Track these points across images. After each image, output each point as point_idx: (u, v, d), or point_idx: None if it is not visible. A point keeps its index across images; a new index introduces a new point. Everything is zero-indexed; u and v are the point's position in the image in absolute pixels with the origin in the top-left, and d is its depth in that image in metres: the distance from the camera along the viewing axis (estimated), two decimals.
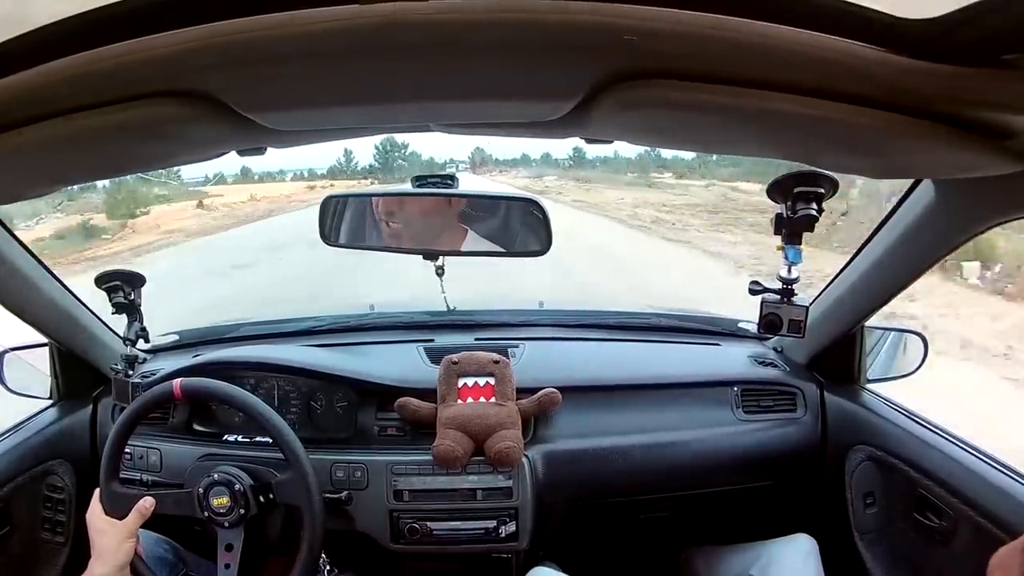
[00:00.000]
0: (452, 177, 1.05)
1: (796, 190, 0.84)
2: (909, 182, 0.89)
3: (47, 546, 1.20)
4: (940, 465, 0.99)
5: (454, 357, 1.18)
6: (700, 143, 0.76)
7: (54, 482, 1.21)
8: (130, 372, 1.22)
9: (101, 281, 1.19)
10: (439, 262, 1.19)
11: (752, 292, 0.95)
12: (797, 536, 1.12)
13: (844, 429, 1.21)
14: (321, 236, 1.14)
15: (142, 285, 1.21)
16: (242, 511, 0.98)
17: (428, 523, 1.09)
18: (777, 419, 1.24)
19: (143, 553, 0.99)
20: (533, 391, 1.16)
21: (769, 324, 0.93)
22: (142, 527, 0.96)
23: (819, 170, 0.81)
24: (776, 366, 1.31)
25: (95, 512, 0.95)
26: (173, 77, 0.48)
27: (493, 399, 1.14)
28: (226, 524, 0.98)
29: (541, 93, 0.53)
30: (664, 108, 0.51)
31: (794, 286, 0.92)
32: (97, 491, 0.98)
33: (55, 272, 1.15)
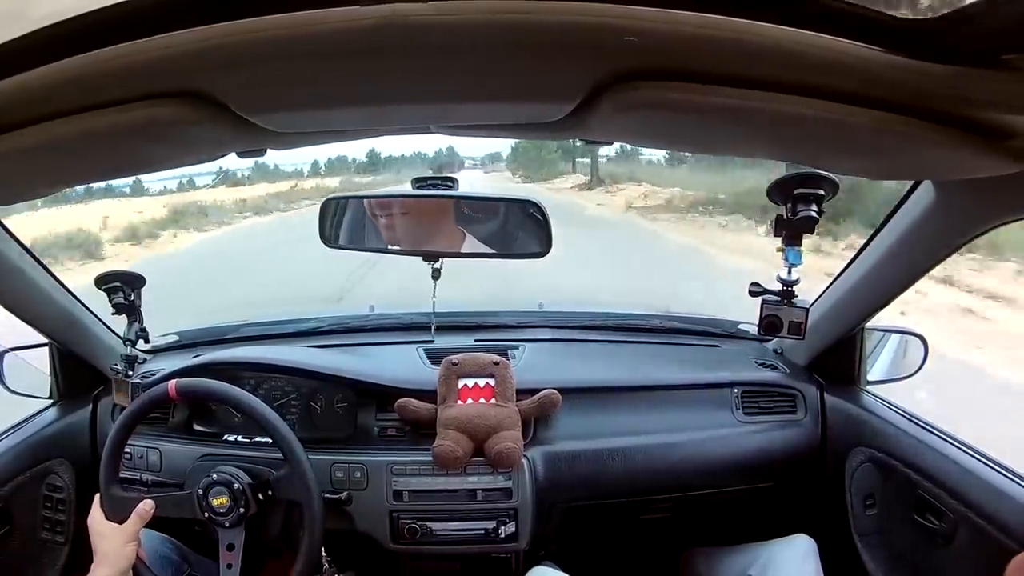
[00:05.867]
0: (452, 178, 1.05)
1: (796, 192, 0.84)
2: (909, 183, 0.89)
3: (47, 546, 1.20)
4: (940, 467, 0.99)
5: (454, 358, 1.17)
6: (700, 144, 0.76)
7: (54, 482, 1.21)
8: (130, 372, 1.22)
9: (101, 282, 1.19)
10: (436, 264, 1.19)
11: (752, 294, 0.95)
12: (796, 536, 1.12)
13: (844, 431, 1.21)
14: (321, 238, 1.15)
15: (142, 286, 1.22)
16: (242, 510, 0.98)
17: (428, 523, 1.09)
18: (777, 421, 1.24)
19: (145, 556, 0.99)
20: (533, 392, 1.16)
21: (769, 326, 0.93)
22: (145, 527, 0.96)
23: (819, 171, 0.81)
24: (776, 368, 1.31)
25: (96, 516, 0.95)
26: (173, 79, 0.48)
27: (493, 400, 1.14)
28: (227, 524, 0.98)
29: (542, 94, 0.53)
30: (665, 109, 0.51)
31: (794, 287, 0.92)
32: (98, 495, 0.98)
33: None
